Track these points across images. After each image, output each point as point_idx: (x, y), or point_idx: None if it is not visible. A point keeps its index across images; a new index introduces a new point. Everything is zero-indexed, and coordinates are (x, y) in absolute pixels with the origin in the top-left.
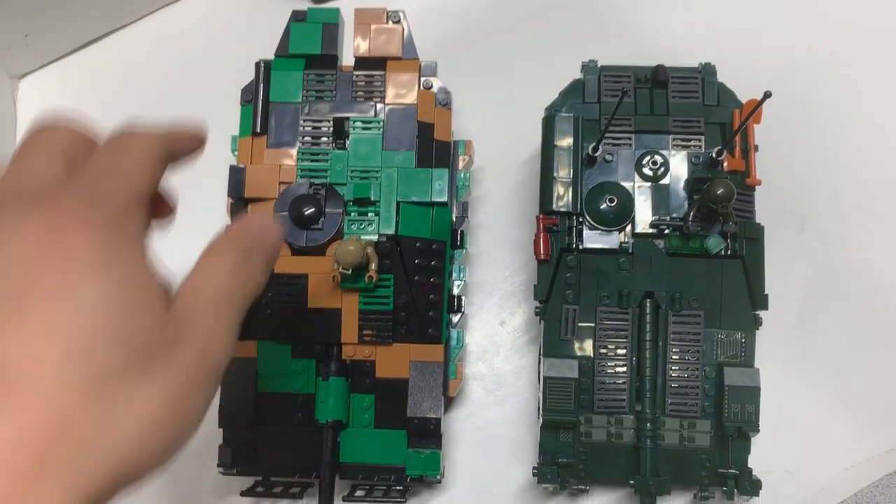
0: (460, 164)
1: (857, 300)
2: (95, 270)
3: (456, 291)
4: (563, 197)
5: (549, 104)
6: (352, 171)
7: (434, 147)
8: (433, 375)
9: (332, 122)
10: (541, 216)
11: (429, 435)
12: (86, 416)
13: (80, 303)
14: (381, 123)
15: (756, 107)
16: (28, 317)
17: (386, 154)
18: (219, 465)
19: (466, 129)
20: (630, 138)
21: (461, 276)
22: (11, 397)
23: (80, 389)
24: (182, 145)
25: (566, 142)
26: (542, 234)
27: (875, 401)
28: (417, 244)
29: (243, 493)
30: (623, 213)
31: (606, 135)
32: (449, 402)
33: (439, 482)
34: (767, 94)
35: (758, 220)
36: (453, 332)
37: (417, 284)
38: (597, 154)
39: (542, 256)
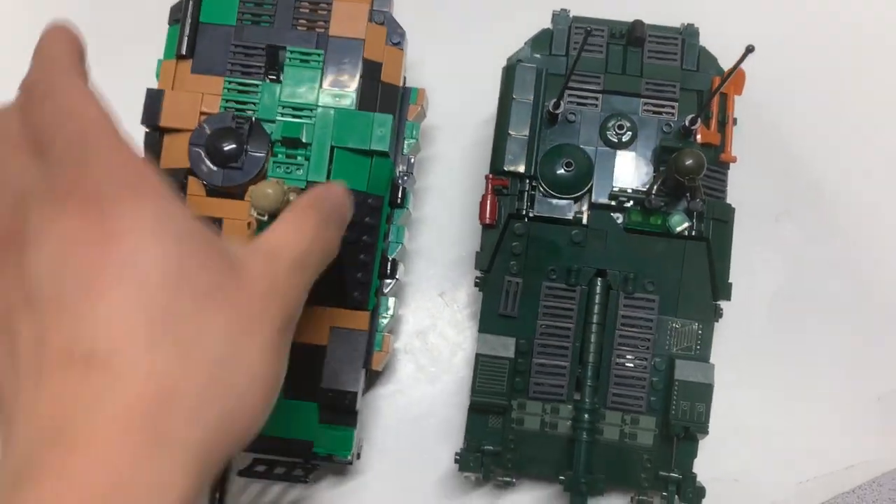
0: (410, 115)
1: (832, 303)
2: (150, 236)
3: (392, 255)
4: (516, 157)
5: (513, 53)
6: (283, 108)
7: (380, 90)
8: (355, 345)
9: (265, 51)
10: (490, 176)
11: (343, 410)
12: (189, 380)
13: (147, 270)
14: (322, 57)
15: (737, 64)
16: (100, 296)
17: (324, 92)
18: None
19: (422, 81)
20: (597, 98)
21: (399, 238)
22: (109, 376)
23: (175, 354)
24: None
25: (526, 96)
26: (489, 196)
27: (839, 413)
28: (351, 196)
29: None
30: (581, 181)
31: (573, 92)
32: (374, 377)
33: (350, 464)
34: (750, 49)
35: (730, 203)
36: (383, 300)
37: (346, 242)
38: (558, 111)
39: (488, 220)
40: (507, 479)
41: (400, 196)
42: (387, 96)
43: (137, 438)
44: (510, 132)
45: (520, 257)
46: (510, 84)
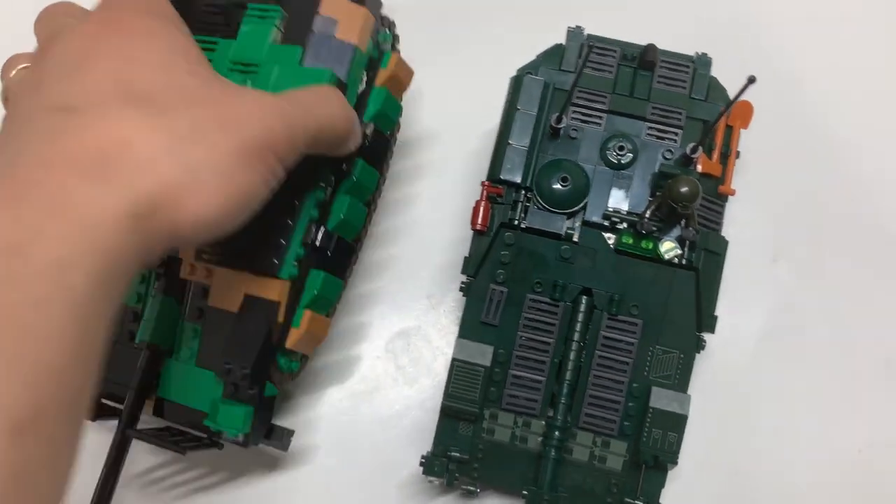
0: (379, 79)
1: (821, 351)
2: (155, 33)
3: (332, 227)
4: (514, 167)
5: (524, 65)
6: (233, 65)
7: (331, 46)
8: (260, 316)
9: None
10: (486, 183)
11: (236, 387)
12: (149, 137)
13: (140, 58)
14: (279, 12)
15: (738, 94)
16: (91, 68)
17: (273, 48)
18: None
19: (430, 86)
20: (601, 117)
21: (342, 209)
22: (76, 122)
23: (142, 117)
24: None
25: (531, 108)
26: (483, 203)
27: (815, 463)
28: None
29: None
30: (575, 197)
31: (578, 108)
32: (304, 360)
33: (245, 445)
34: (751, 80)
35: (726, 238)
36: (313, 274)
37: (273, 202)
38: (561, 126)
39: (479, 227)
40: (472, 487)
41: (346, 164)
42: (337, 53)
43: (82, 172)
44: (510, 142)
45: (507, 267)
46: (516, 95)
